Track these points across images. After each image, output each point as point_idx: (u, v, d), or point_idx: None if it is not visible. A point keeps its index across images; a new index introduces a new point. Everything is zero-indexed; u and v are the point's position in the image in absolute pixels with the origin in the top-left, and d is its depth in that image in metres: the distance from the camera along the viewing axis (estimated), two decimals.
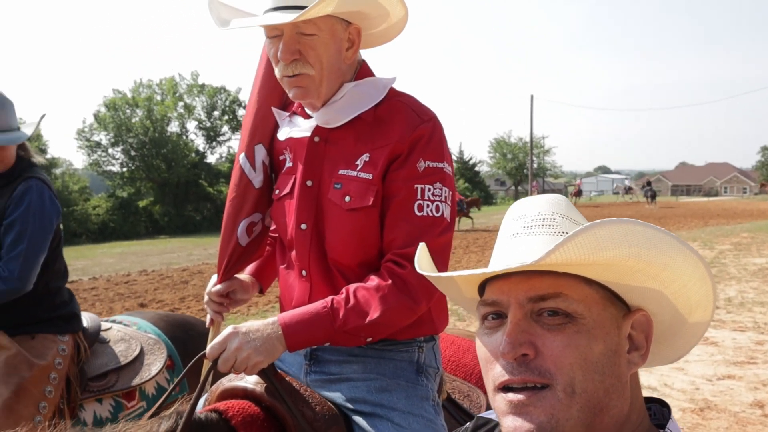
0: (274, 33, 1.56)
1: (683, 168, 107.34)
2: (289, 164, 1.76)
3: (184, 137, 39.62)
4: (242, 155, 1.84)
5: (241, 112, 40.59)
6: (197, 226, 35.26)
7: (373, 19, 1.65)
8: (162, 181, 37.15)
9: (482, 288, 1.01)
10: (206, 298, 1.90)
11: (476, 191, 57.81)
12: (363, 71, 1.70)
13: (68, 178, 36.86)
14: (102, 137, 37.67)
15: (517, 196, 66.27)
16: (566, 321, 0.88)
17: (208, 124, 40.51)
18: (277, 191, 1.78)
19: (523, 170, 64.56)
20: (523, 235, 0.97)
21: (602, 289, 0.92)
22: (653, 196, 35.77)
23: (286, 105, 1.84)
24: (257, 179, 1.82)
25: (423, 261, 1.08)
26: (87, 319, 2.76)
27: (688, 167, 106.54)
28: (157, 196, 37.14)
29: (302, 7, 1.49)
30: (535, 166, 55.48)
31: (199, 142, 40.64)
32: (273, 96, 1.84)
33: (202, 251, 18.28)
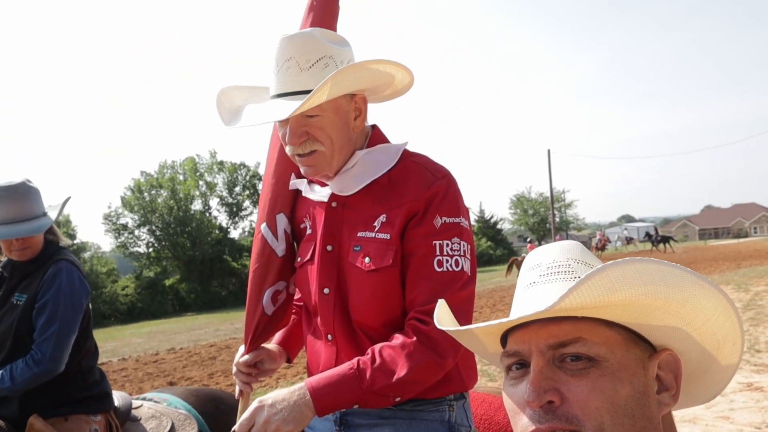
0: None
1: (709, 211, 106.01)
2: (309, 231, 1.78)
3: (207, 214, 40.35)
4: (263, 225, 1.86)
5: (261, 186, 41.28)
6: (223, 301, 35.35)
7: (377, 86, 1.69)
8: (187, 258, 37.59)
9: (505, 340, 1.01)
10: (234, 369, 1.89)
11: (499, 249, 57.39)
12: (375, 136, 1.73)
13: (96, 261, 37.46)
14: (128, 219, 38.59)
15: None
16: (589, 365, 0.87)
17: (230, 200, 41.30)
18: (299, 258, 1.79)
19: (546, 225, 64.27)
20: (540, 283, 0.98)
21: (624, 330, 0.91)
22: (665, 241, 33.77)
23: None
24: (280, 248, 1.83)
25: (443, 316, 1.07)
26: (118, 397, 2.77)
27: (714, 210, 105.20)
28: (182, 274, 37.49)
29: (306, 92, 1.52)
30: (557, 220, 55.12)
31: (222, 219, 41.38)
32: (291, 164, 1.87)
33: (228, 326, 18.24)
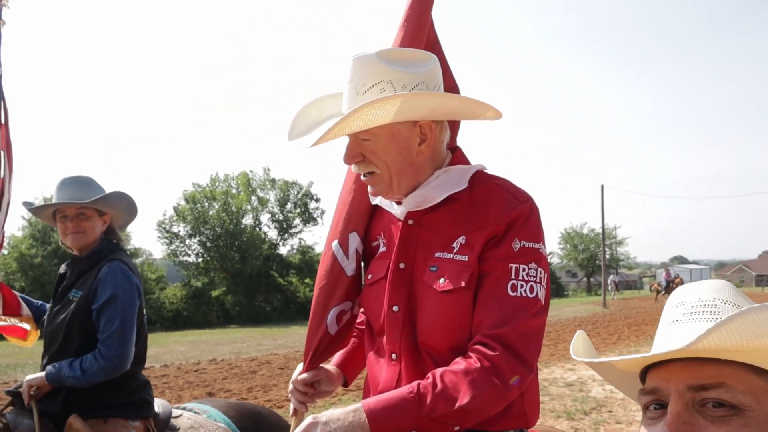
0: None
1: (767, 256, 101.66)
2: (383, 249, 1.74)
3: (258, 229, 40.95)
4: (335, 242, 1.81)
5: (312, 204, 41.85)
6: (267, 316, 35.66)
7: (440, 114, 1.60)
8: (235, 271, 38.16)
9: (644, 376, 0.97)
10: (291, 386, 1.84)
11: None
12: (456, 158, 1.69)
13: (147, 267, 38.46)
14: (180, 228, 39.50)
15: (589, 288, 64.24)
16: (732, 413, 0.80)
17: (281, 217, 41.86)
18: (369, 276, 1.75)
19: (596, 261, 62.86)
20: (683, 322, 0.93)
21: None
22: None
23: None
24: (350, 267, 1.79)
25: (579, 346, 1.05)
26: (159, 405, 2.72)
27: None
28: (229, 286, 38.05)
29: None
30: (607, 257, 53.78)
31: (272, 234, 41.88)
32: None
33: (271, 341, 18.33)
